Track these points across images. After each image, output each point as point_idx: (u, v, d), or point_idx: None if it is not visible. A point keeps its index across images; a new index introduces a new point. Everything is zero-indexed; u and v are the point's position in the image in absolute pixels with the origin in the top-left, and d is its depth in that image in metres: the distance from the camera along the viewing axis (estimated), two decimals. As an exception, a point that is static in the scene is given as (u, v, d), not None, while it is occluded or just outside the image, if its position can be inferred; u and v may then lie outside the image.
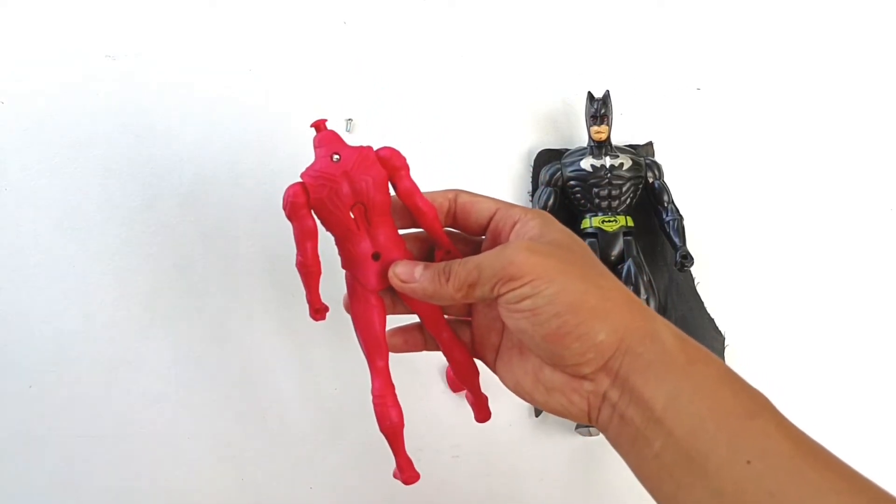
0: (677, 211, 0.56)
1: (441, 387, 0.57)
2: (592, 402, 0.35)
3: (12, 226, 0.57)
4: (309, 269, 0.38)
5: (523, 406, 0.57)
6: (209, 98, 0.58)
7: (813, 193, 0.61)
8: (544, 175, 0.57)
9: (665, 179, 0.57)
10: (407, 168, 0.38)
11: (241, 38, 0.60)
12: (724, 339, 0.57)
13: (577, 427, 0.56)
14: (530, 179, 0.59)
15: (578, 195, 0.56)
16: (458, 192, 0.39)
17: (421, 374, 0.57)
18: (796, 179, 0.61)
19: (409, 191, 0.38)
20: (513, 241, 0.35)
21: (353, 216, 0.37)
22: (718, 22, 0.62)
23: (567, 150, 0.59)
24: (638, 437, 0.33)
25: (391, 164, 0.38)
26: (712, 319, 0.57)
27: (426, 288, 0.36)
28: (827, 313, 0.59)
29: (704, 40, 0.62)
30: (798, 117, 0.62)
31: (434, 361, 0.57)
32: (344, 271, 0.40)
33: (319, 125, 0.38)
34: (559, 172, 0.57)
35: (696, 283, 0.58)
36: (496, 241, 0.38)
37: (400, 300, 0.40)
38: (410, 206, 0.38)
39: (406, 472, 0.41)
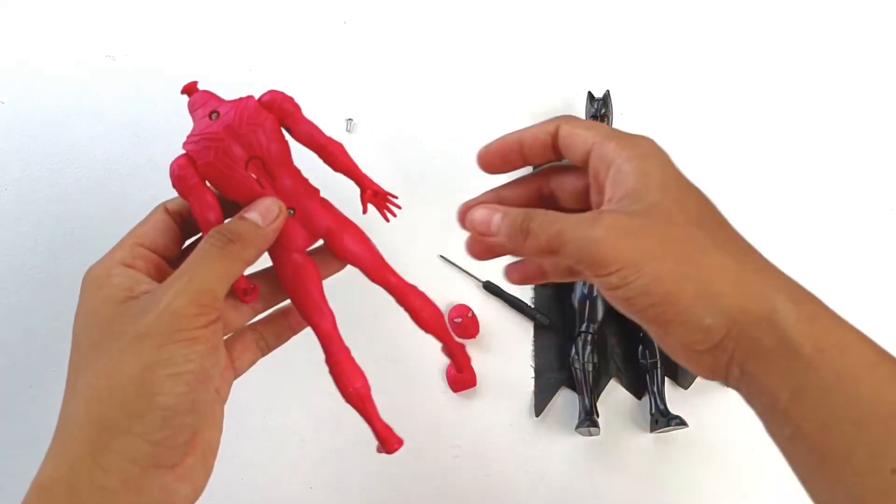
0: (677, 211, 0.56)
1: (441, 387, 0.57)
2: (715, 370, 0.30)
3: (12, 226, 0.57)
4: None
5: (523, 406, 0.57)
6: (209, 98, 0.58)
7: (813, 193, 0.61)
8: (544, 175, 0.57)
9: (665, 179, 0.57)
10: (298, 108, 0.34)
11: (241, 38, 0.60)
12: (724, 338, 0.57)
13: (577, 427, 0.56)
14: (530, 179, 0.59)
15: (578, 195, 0.56)
16: (559, 123, 0.34)
17: (421, 374, 0.57)
18: (797, 179, 0.61)
19: (307, 132, 0.34)
20: (603, 212, 0.30)
21: (253, 176, 0.33)
22: (718, 21, 0.62)
23: (567, 150, 0.59)
24: (766, 415, 0.29)
25: (279, 107, 0.34)
26: (712, 319, 0.57)
27: (503, 244, 0.32)
28: (827, 313, 0.59)
29: (704, 40, 0.62)
30: (799, 117, 0.62)
31: (434, 361, 0.57)
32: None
33: (190, 88, 0.34)
34: (559, 172, 0.57)
35: (696, 283, 0.58)
36: (597, 182, 0.33)
37: (333, 257, 0.36)
38: (314, 148, 0.35)
39: (387, 441, 0.36)
